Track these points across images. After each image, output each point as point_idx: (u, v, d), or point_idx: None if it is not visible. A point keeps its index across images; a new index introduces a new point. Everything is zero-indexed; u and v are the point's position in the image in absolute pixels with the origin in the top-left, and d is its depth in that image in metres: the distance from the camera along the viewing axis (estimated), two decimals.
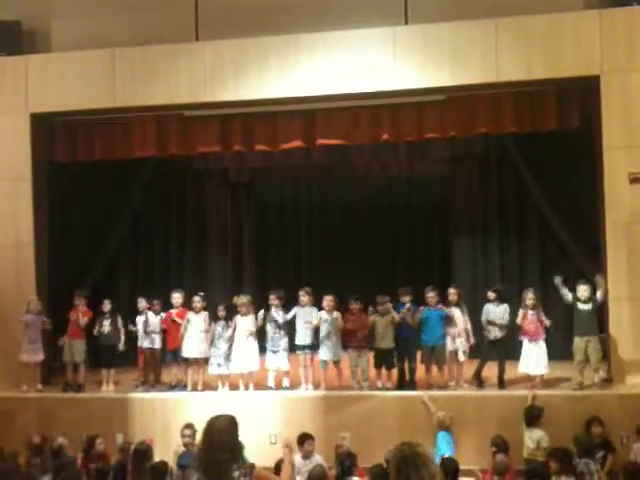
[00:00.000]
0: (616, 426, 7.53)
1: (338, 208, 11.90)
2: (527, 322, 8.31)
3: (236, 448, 3.91)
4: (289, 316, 8.75)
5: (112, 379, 9.05)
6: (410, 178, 11.97)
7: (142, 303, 9.22)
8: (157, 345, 9.15)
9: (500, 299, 8.59)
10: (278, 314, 8.74)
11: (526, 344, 8.32)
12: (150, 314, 9.14)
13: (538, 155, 9.83)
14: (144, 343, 9.12)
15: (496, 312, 8.52)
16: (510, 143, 10.00)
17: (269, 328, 8.76)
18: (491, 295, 8.61)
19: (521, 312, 8.35)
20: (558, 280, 8.28)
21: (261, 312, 8.78)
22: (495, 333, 8.47)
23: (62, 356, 9.16)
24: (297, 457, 7.11)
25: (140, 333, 9.14)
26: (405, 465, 3.34)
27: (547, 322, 8.32)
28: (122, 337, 9.13)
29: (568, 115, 8.82)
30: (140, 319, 9.17)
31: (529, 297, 8.34)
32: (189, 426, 7.47)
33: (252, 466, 4.00)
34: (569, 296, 8.21)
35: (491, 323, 8.50)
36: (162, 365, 9.31)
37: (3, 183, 9.40)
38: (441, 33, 8.72)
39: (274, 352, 8.71)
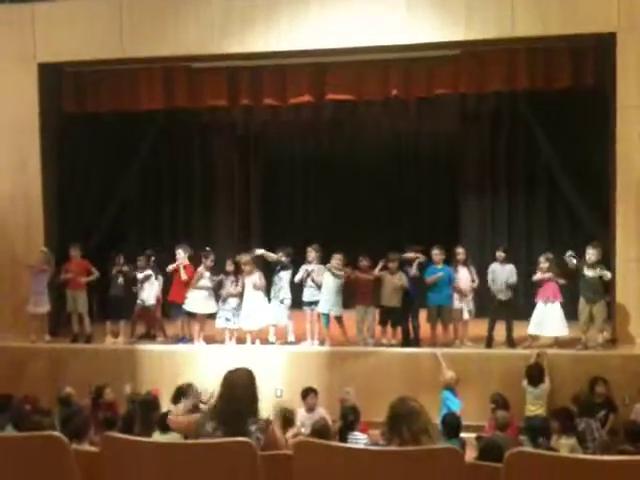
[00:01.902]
0: (619, 386, 7.60)
1: (346, 164, 11.81)
2: (543, 284, 8.28)
3: (255, 402, 3.98)
4: (298, 277, 8.75)
5: (122, 331, 9.15)
6: (419, 135, 11.84)
7: (142, 260, 9.23)
8: (147, 301, 9.15)
9: (507, 259, 8.57)
10: (284, 271, 8.78)
11: (540, 306, 8.30)
12: (150, 269, 9.14)
13: (550, 114, 9.69)
14: (144, 298, 9.19)
15: (502, 272, 8.50)
16: (522, 101, 9.85)
17: (274, 282, 8.80)
18: (500, 255, 8.59)
19: (538, 275, 8.32)
20: (571, 259, 8.19)
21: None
22: (500, 294, 8.47)
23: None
24: (301, 410, 7.24)
25: (142, 288, 9.19)
26: (397, 421, 3.54)
27: (561, 281, 8.27)
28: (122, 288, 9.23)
29: (582, 73, 8.68)
30: (143, 275, 9.19)
31: (541, 261, 8.32)
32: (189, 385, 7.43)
33: (268, 421, 4.07)
34: (574, 262, 8.17)
35: (496, 283, 8.49)
36: (163, 319, 9.36)
37: (12, 134, 9.36)
38: None
39: (277, 304, 8.77)
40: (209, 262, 8.95)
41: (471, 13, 8.44)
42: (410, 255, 8.63)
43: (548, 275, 8.26)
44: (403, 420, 3.53)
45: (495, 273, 8.54)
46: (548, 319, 8.23)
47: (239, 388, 3.91)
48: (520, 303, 8.62)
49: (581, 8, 8.24)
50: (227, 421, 3.86)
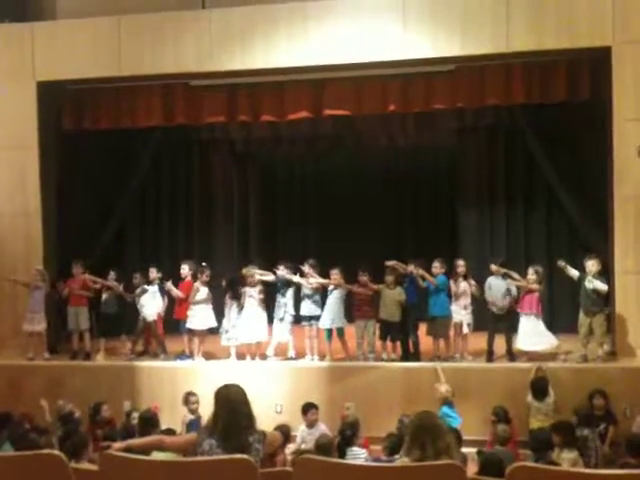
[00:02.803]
0: (619, 399, 7.56)
1: (345, 179, 11.84)
2: (524, 296, 8.29)
3: (250, 414, 4.01)
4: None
5: (127, 346, 9.16)
6: (417, 149, 11.88)
7: (143, 275, 9.26)
8: (147, 318, 9.15)
9: (503, 273, 8.53)
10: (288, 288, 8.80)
11: (521, 318, 8.30)
12: (150, 285, 9.14)
13: (547, 127, 9.74)
14: (145, 314, 9.17)
15: (498, 284, 8.49)
16: (519, 115, 9.89)
17: (278, 300, 8.81)
18: (493, 267, 8.57)
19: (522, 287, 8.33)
20: (561, 263, 8.23)
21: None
22: (497, 307, 8.45)
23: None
24: (302, 426, 7.22)
25: (142, 304, 9.17)
26: (423, 434, 3.38)
27: (537, 295, 8.22)
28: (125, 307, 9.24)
29: (578, 86, 8.72)
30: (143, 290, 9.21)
31: (529, 273, 8.31)
32: (193, 393, 7.57)
33: (263, 433, 4.09)
34: (576, 274, 8.17)
35: (492, 296, 8.48)
36: (162, 335, 9.34)
37: (11, 152, 9.39)
38: (451, 1, 8.59)
39: (278, 322, 8.77)
40: (204, 277, 8.96)
41: (466, 29, 8.49)
42: (400, 267, 8.59)
43: (535, 287, 8.23)
44: (428, 434, 3.39)
45: (491, 286, 8.54)
46: (531, 333, 8.20)
47: (238, 403, 3.94)
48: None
49: (576, 22, 8.29)
50: (230, 436, 3.87)
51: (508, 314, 8.46)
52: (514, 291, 8.45)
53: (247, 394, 4.08)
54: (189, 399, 7.59)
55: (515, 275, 8.49)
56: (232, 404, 3.95)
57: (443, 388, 7.47)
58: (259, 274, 8.87)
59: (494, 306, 8.46)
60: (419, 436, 3.43)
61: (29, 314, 8.99)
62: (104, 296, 9.29)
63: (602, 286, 8.02)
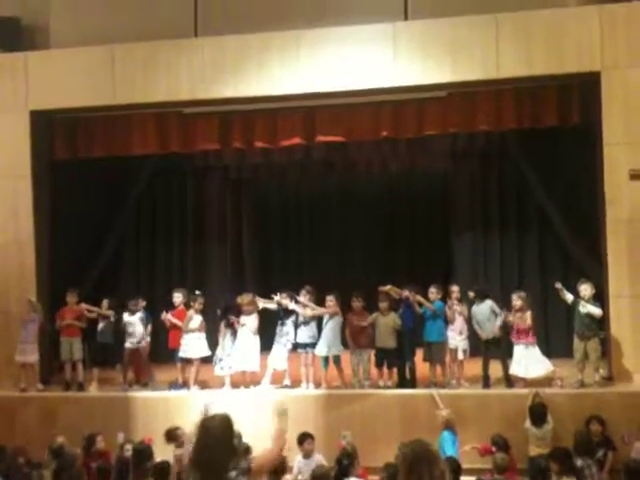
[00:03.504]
0: (617, 424, 7.51)
1: (338, 204, 11.89)
2: (515, 325, 8.25)
3: (231, 450, 3.86)
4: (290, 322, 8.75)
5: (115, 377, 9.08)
6: (410, 174, 11.95)
7: (132, 303, 9.21)
8: (139, 344, 9.10)
9: (481, 297, 8.52)
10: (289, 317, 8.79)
11: (515, 345, 8.26)
12: (126, 315, 9.12)
13: (538, 151, 9.81)
14: (133, 341, 9.11)
15: (481, 310, 8.47)
16: (511, 139, 9.97)
17: (279, 328, 8.78)
18: (470, 294, 8.56)
19: (511, 315, 8.29)
20: (559, 285, 8.24)
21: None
22: (484, 334, 8.42)
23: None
24: (298, 457, 7.13)
25: (130, 331, 9.10)
26: (418, 463, 3.28)
27: (526, 324, 8.15)
28: (119, 336, 9.15)
29: (568, 111, 8.80)
30: (132, 318, 9.13)
31: (514, 299, 8.26)
32: (176, 428, 7.35)
33: (248, 449, 3.93)
34: (570, 297, 8.17)
35: (478, 323, 8.46)
36: (156, 364, 9.29)
37: (3, 181, 9.40)
38: (441, 29, 8.69)
39: (279, 349, 8.74)
40: (198, 305, 8.92)
41: (456, 56, 8.59)
42: (395, 292, 8.59)
43: (518, 315, 8.17)
44: (424, 463, 3.27)
45: (475, 313, 8.51)
46: (526, 359, 8.15)
47: (212, 438, 3.75)
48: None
49: (565, 48, 8.40)
50: (205, 471, 3.77)
51: (499, 339, 8.39)
52: (498, 311, 8.37)
53: (231, 424, 3.88)
54: (174, 434, 7.39)
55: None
56: (208, 438, 3.81)
57: (445, 412, 7.41)
58: (262, 302, 8.83)
59: (483, 332, 8.43)
60: (416, 467, 3.36)
61: (21, 345, 8.93)
62: (100, 325, 9.21)
63: (596, 310, 8.02)
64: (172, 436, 7.44)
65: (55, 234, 9.83)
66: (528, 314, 8.21)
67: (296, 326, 8.80)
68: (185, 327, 8.88)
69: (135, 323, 9.10)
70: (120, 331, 9.19)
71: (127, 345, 9.09)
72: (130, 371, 9.30)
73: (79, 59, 9.27)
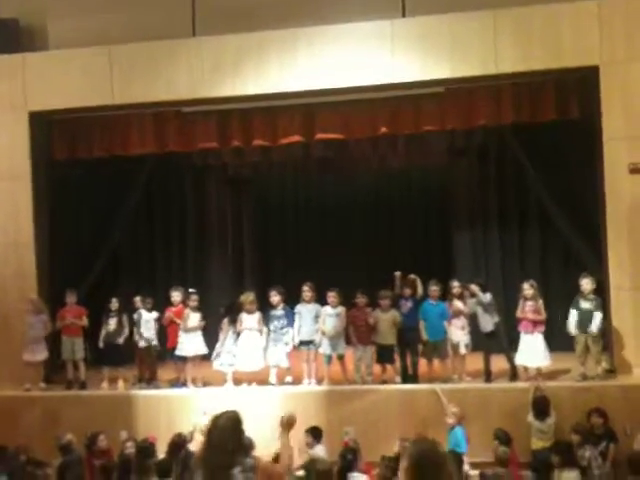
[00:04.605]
0: (619, 417, 7.52)
1: (338, 202, 11.87)
2: (524, 313, 8.27)
3: (238, 446, 3.88)
4: (296, 323, 8.71)
5: (122, 376, 9.05)
6: (409, 171, 11.93)
7: (138, 302, 9.21)
8: (153, 342, 9.12)
9: (483, 290, 8.54)
10: (280, 311, 8.76)
11: (523, 336, 8.29)
12: (143, 312, 9.13)
13: (537, 146, 9.79)
14: (140, 341, 9.10)
15: (482, 303, 8.46)
16: (509, 135, 9.96)
17: (271, 324, 8.76)
18: (474, 287, 8.59)
19: (520, 304, 8.33)
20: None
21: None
22: (482, 326, 8.43)
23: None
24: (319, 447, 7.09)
25: (136, 331, 9.12)
26: (425, 464, 3.07)
27: (542, 315, 8.24)
28: (125, 334, 9.14)
29: (567, 106, 8.80)
30: (138, 317, 9.15)
31: (525, 288, 8.31)
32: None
33: (254, 462, 3.99)
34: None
35: (479, 316, 8.47)
36: (160, 363, 9.31)
37: (3, 182, 9.38)
38: (439, 25, 8.69)
39: (275, 348, 8.71)
40: (192, 303, 8.92)
41: (454, 52, 8.58)
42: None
43: (529, 304, 8.21)
44: (431, 467, 3.04)
45: (475, 306, 8.53)
46: (528, 350, 8.19)
47: (220, 434, 3.79)
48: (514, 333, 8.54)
49: (563, 43, 8.40)
50: (211, 469, 3.78)
51: (496, 332, 8.42)
52: (492, 303, 8.41)
53: (240, 422, 3.91)
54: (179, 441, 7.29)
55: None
56: (215, 436, 3.80)
57: (455, 408, 7.41)
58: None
59: (483, 324, 8.45)
60: (421, 467, 3.16)
61: (30, 344, 8.90)
62: (110, 324, 9.16)
63: (600, 320, 8.02)
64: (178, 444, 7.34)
65: (55, 234, 9.82)
66: (540, 303, 8.25)
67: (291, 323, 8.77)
68: (182, 325, 8.88)
69: (150, 321, 9.08)
70: (131, 330, 9.16)
71: (142, 343, 9.05)
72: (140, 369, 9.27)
73: (77, 59, 9.26)
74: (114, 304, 9.18)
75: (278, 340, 8.72)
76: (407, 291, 8.64)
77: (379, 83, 8.83)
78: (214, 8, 9.46)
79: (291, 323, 8.73)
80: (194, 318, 8.93)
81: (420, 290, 8.66)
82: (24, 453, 7.24)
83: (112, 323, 9.14)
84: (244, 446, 4.00)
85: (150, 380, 9.08)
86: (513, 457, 6.70)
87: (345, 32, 8.84)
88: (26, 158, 9.40)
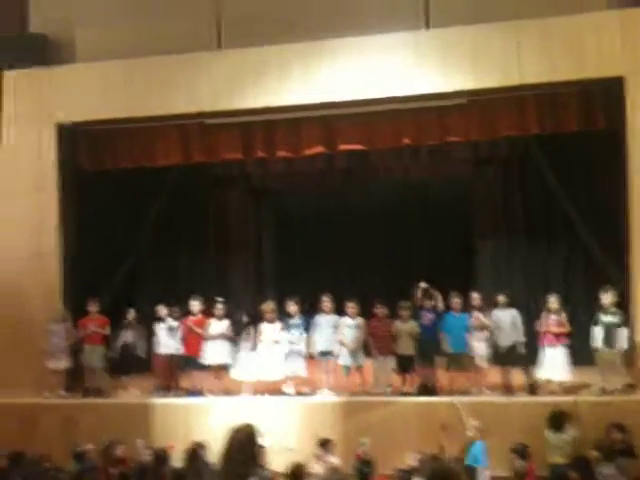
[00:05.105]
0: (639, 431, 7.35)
1: (360, 212, 11.85)
2: (548, 327, 8.16)
3: (253, 460, 3.87)
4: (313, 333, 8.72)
5: (136, 385, 9.12)
6: (432, 182, 11.87)
7: (162, 310, 9.28)
8: (178, 351, 9.17)
9: (509, 304, 8.47)
10: (298, 321, 8.76)
11: (546, 349, 8.18)
12: (170, 320, 9.19)
13: (562, 157, 9.68)
14: (164, 349, 9.13)
15: (505, 317, 8.40)
16: (533, 146, 9.86)
17: (289, 334, 8.76)
18: (501, 299, 8.49)
19: (543, 316, 8.22)
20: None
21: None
22: (505, 340, 8.34)
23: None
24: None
25: (161, 340, 9.16)
26: None
27: (567, 328, 8.15)
28: (143, 344, 9.21)
29: (592, 116, 8.71)
30: (163, 326, 9.20)
31: (551, 301, 8.22)
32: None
33: (270, 475, 3.96)
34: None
35: (497, 329, 8.39)
36: (180, 371, 9.35)
37: (30, 193, 9.55)
38: (462, 37, 8.68)
39: (292, 358, 8.71)
40: (218, 311, 8.96)
41: (477, 63, 8.57)
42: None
43: (553, 317, 8.11)
44: None
45: (499, 319, 8.43)
46: (551, 363, 8.10)
47: (233, 449, 3.79)
48: (534, 348, 8.41)
49: (587, 53, 8.32)
50: None
51: (518, 346, 8.33)
52: (519, 323, 8.33)
53: (254, 435, 3.88)
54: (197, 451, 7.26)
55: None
56: (231, 449, 3.78)
57: (475, 422, 7.32)
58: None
59: (504, 338, 8.35)
60: None
61: (55, 352, 9.02)
62: (130, 335, 9.25)
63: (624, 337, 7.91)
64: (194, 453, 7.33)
65: (80, 244, 9.94)
66: (563, 316, 8.18)
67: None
68: (205, 334, 8.91)
69: (175, 329, 9.14)
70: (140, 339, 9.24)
71: (164, 351, 9.08)
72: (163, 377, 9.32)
73: (102, 72, 9.44)
74: (131, 314, 9.26)
75: (295, 350, 8.71)
76: (428, 302, 8.57)
77: (402, 95, 8.84)
78: (238, 20, 9.56)
79: (307, 332, 8.71)
80: (218, 326, 8.94)
81: (440, 303, 8.58)
82: (47, 461, 7.30)
83: (129, 334, 9.23)
84: (260, 457, 3.98)
85: (172, 388, 9.12)
86: (531, 472, 6.58)
87: (368, 44, 8.88)
88: (54, 170, 9.57)
